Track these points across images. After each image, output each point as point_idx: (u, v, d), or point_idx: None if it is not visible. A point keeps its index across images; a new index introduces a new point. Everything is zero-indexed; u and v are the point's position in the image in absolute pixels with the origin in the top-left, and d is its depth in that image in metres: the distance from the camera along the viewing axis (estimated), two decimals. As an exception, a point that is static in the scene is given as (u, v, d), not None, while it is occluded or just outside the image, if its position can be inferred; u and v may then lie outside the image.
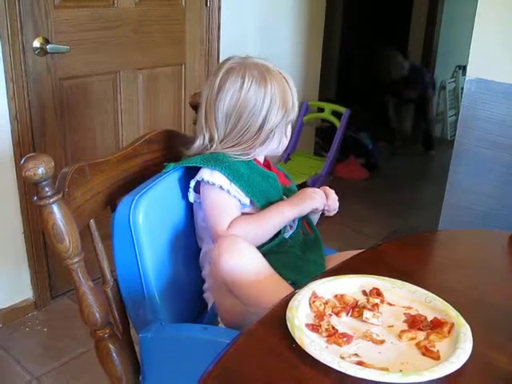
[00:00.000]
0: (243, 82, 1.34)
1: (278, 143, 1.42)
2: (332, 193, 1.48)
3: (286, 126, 1.42)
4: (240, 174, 1.34)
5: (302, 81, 3.68)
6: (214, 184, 1.32)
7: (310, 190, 1.42)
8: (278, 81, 1.36)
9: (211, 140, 1.38)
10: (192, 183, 1.36)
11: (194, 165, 1.35)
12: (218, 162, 1.33)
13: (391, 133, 5.19)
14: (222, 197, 1.32)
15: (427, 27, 5.31)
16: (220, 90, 1.35)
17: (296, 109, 1.41)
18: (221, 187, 1.32)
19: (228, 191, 1.32)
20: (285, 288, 1.22)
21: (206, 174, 1.33)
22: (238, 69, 1.36)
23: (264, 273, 1.23)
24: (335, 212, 1.48)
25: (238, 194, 1.33)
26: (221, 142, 1.37)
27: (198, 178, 1.35)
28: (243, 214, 1.36)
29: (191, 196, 1.38)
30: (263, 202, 1.36)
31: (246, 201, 1.35)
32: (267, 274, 1.24)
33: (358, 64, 5.96)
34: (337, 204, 1.48)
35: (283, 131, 1.41)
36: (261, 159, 1.46)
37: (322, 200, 1.42)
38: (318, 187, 1.49)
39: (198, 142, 1.40)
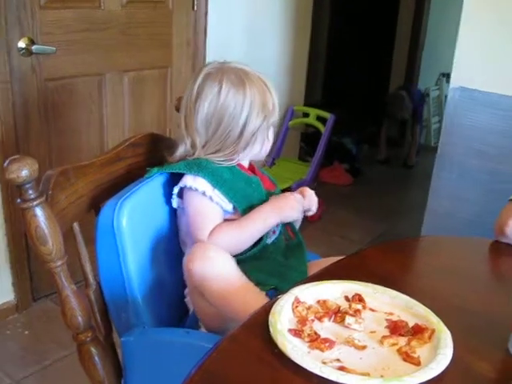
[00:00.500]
0: (221, 87, 1.34)
1: (260, 147, 1.42)
2: (310, 193, 1.48)
3: (268, 129, 1.42)
4: (223, 179, 1.34)
5: (287, 85, 3.69)
6: (197, 190, 1.32)
7: (291, 197, 1.41)
8: (257, 84, 1.37)
9: (193, 146, 1.38)
10: (175, 189, 1.36)
11: (178, 171, 1.35)
12: (200, 168, 1.33)
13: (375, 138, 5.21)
14: (205, 203, 1.33)
15: (412, 34, 5.36)
16: (198, 96, 1.36)
17: (277, 112, 1.42)
18: (204, 193, 1.32)
19: (210, 197, 1.32)
20: (254, 296, 1.23)
21: (189, 180, 1.33)
22: (216, 74, 1.36)
23: (233, 281, 1.23)
24: (314, 212, 1.49)
25: (221, 201, 1.34)
26: (203, 147, 1.38)
27: (181, 184, 1.35)
28: (226, 220, 1.36)
29: (175, 202, 1.38)
30: (246, 208, 1.37)
31: (229, 207, 1.35)
32: (237, 282, 1.24)
33: (344, 69, 5.98)
34: (315, 204, 1.48)
35: (265, 135, 1.42)
36: (245, 164, 1.46)
37: (301, 209, 1.43)
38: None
39: (180, 149, 1.40)
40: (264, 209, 1.36)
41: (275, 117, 1.42)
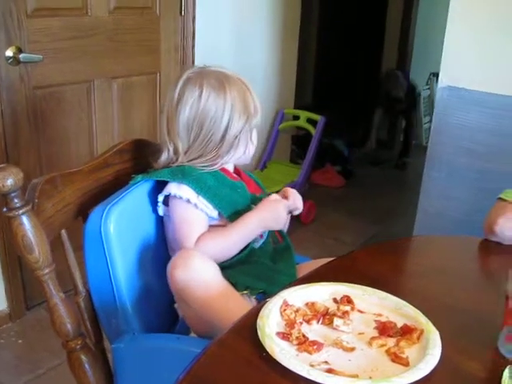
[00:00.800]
0: (201, 91, 1.34)
1: (243, 150, 1.42)
2: (293, 193, 1.47)
3: (251, 131, 1.42)
4: (207, 186, 1.34)
5: (277, 88, 3.69)
6: (181, 198, 1.32)
7: (279, 206, 1.39)
8: (237, 87, 1.37)
9: (176, 152, 1.38)
10: (160, 198, 1.36)
11: (162, 179, 1.35)
12: (185, 175, 1.33)
13: (366, 139, 5.22)
14: (190, 211, 1.33)
15: (401, 35, 5.37)
16: (179, 101, 1.35)
17: (259, 113, 1.41)
18: (188, 200, 1.32)
19: (195, 205, 1.32)
20: (237, 303, 1.24)
21: (173, 188, 1.33)
22: (196, 78, 1.36)
23: (216, 288, 1.23)
24: (301, 210, 1.48)
25: (206, 207, 1.34)
26: (185, 153, 1.37)
27: (165, 192, 1.35)
28: (212, 226, 1.36)
29: (160, 210, 1.38)
30: (231, 214, 1.36)
31: (214, 213, 1.35)
32: (219, 289, 1.23)
33: (334, 71, 5.99)
34: (300, 202, 1.47)
35: (248, 137, 1.41)
36: (230, 168, 1.46)
37: (287, 215, 1.43)
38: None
39: (164, 156, 1.39)
40: (249, 219, 1.35)
41: (257, 119, 1.41)
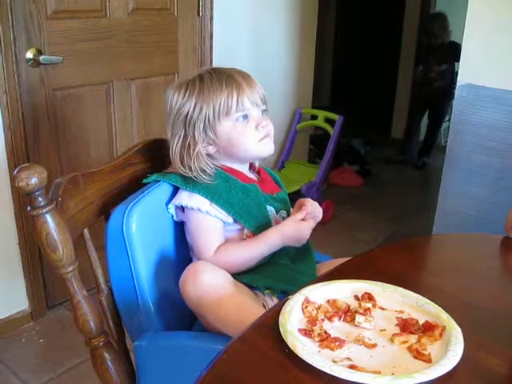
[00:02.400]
0: (174, 95, 1.38)
1: (243, 143, 1.37)
2: (310, 204, 1.43)
3: (236, 121, 1.35)
4: (219, 193, 1.33)
5: (295, 88, 3.69)
6: (193, 208, 1.32)
7: (304, 229, 1.37)
8: (207, 81, 1.35)
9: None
10: (171, 207, 1.37)
11: (174, 184, 1.36)
12: (196, 183, 1.33)
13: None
14: (203, 220, 1.33)
15: (419, 32, 5.34)
16: (168, 109, 1.40)
17: (238, 102, 1.33)
18: (199, 209, 1.32)
19: (207, 212, 1.32)
20: (250, 316, 1.21)
21: (184, 198, 1.33)
22: (178, 85, 1.40)
23: (228, 301, 1.23)
24: (320, 218, 1.46)
25: (220, 214, 1.33)
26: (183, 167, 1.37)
27: (176, 202, 1.35)
28: (230, 231, 1.37)
29: (175, 216, 1.39)
30: (247, 218, 1.36)
31: (229, 219, 1.35)
32: (231, 302, 1.23)
33: (352, 71, 5.99)
34: (318, 211, 1.45)
35: (241, 128, 1.35)
36: (245, 168, 1.45)
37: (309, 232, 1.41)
38: (312, 195, 1.48)
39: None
40: (272, 236, 1.34)
41: (238, 109, 1.34)
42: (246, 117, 1.36)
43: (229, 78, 1.35)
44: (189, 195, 1.33)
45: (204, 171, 1.35)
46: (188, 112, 1.35)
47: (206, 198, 1.32)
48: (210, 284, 1.22)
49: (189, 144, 1.35)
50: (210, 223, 1.33)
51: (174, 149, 1.37)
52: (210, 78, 1.35)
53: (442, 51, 4.57)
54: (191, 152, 1.35)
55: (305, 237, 1.38)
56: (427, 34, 4.67)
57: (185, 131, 1.36)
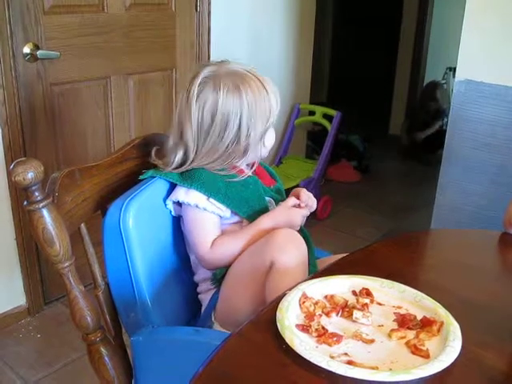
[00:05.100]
0: (217, 94, 1.30)
1: (257, 154, 1.40)
2: (305, 193, 1.43)
3: (265, 133, 1.37)
4: (217, 188, 1.33)
5: (293, 84, 3.69)
6: (189, 204, 1.31)
7: (296, 214, 1.39)
8: (254, 88, 1.32)
9: (187, 156, 1.35)
10: (169, 203, 1.36)
11: (171, 180, 1.35)
12: (193, 179, 1.32)
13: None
14: (200, 216, 1.33)
15: (417, 29, 5.34)
16: (195, 102, 1.31)
17: (275, 112, 1.36)
18: (197, 206, 1.31)
19: (204, 208, 1.32)
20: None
21: (181, 194, 1.33)
22: (211, 79, 1.32)
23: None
24: (313, 210, 1.46)
25: (217, 209, 1.33)
26: (196, 157, 1.35)
27: (173, 198, 1.34)
28: (229, 225, 1.38)
29: (173, 211, 1.38)
30: (246, 210, 1.36)
31: (227, 213, 1.35)
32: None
33: (349, 66, 5.98)
34: (312, 202, 1.45)
35: (262, 140, 1.38)
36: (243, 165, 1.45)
37: (302, 219, 1.42)
38: (311, 191, 1.48)
39: (173, 158, 1.36)
40: (263, 222, 1.35)
41: (273, 118, 1.36)
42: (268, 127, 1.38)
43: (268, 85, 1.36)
44: (186, 191, 1.33)
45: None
46: (240, 114, 1.32)
47: (204, 193, 1.32)
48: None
49: (222, 142, 1.34)
50: (207, 218, 1.33)
51: (209, 143, 1.34)
52: (256, 85, 1.33)
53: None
54: (218, 148, 1.34)
55: (296, 223, 1.38)
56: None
57: (219, 131, 1.33)
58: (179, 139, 1.36)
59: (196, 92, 1.32)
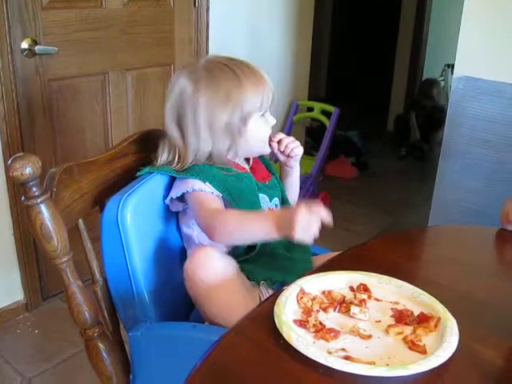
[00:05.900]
0: (192, 90, 1.32)
1: (249, 146, 1.40)
2: (284, 138, 1.47)
3: (244, 120, 1.35)
4: (212, 174, 1.33)
5: (291, 80, 3.68)
6: (191, 190, 1.30)
7: (301, 219, 1.14)
8: (216, 75, 1.32)
9: (180, 152, 1.36)
10: (167, 200, 1.36)
11: (168, 173, 1.35)
12: (190, 170, 1.33)
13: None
14: (203, 196, 1.31)
15: (415, 26, 5.34)
16: (168, 101, 1.38)
17: (253, 101, 1.33)
18: (198, 189, 1.30)
19: (205, 190, 1.31)
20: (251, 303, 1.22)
21: (180, 186, 1.33)
22: (188, 74, 1.35)
23: (236, 289, 1.25)
24: (300, 153, 1.49)
25: (215, 191, 1.32)
26: (189, 152, 1.35)
27: (172, 195, 1.34)
28: None
29: (172, 206, 1.38)
30: (238, 202, 1.33)
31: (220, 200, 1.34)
32: (239, 289, 1.26)
33: (348, 63, 5.98)
34: (294, 145, 1.47)
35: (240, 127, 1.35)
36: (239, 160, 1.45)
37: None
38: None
39: (164, 156, 1.38)
40: (269, 220, 1.19)
41: (250, 107, 1.33)
42: (263, 114, 1.38)
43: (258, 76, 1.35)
44: (183, 182, 1.32)
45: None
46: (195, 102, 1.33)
47: (200, 179, 1.31)
48: (220, 267, 1.23)
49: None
50: (209, 197, 1.31)
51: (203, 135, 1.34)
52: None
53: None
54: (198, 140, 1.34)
55: (312, 229, 1.26)
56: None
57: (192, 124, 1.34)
58: (168, 142, 1.39)
59: (172, 92, 1.37)
